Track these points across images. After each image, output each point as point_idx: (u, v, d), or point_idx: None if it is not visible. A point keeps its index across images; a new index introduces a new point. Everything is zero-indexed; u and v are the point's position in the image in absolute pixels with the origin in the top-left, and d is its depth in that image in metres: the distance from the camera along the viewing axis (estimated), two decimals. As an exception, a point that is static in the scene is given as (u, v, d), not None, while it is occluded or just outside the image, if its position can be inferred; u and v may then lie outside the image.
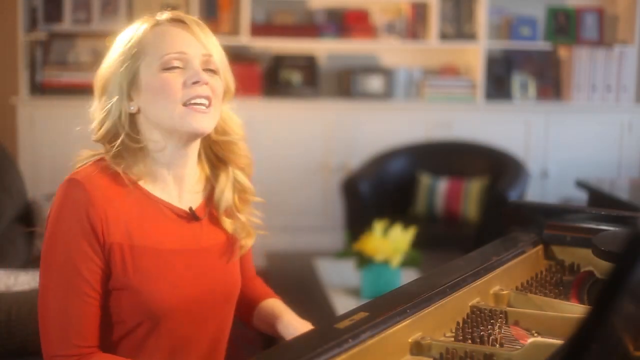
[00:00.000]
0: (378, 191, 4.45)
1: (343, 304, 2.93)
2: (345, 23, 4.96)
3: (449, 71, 5.10)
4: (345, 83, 5.04)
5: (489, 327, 1.26)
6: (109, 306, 1.39)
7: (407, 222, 3.18)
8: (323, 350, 1.01)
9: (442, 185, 4.45)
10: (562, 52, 5.11)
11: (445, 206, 4.42)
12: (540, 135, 4.98)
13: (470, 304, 1.34)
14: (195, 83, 1.39)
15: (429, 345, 1.17)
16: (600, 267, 1.52)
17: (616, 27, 5.18)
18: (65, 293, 1.34)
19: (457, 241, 4.05)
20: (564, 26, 5.12)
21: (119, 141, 1.40)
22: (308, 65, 4.97)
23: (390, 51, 5.14)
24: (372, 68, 5.05)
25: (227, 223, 1.50)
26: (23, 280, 2.32)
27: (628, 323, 0.81)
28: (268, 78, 4.96)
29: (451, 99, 4.98)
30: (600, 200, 3.60)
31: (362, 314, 1.13)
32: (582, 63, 5.03)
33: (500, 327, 1.27)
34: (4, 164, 3.24)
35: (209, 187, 1.51)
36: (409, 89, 5.06)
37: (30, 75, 4.72)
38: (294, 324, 1.57)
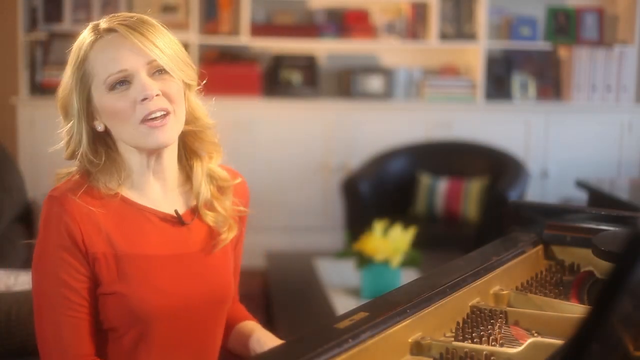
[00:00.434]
0: (378, 191, 4.45)
1: (343, 304, 2.94)
2: (345, 23, 4.96)
3: (449, 71, 5.10)
4: (345, 83, 5.04)
5: (489, 327, 1.26)
6: (100, 313, 1.39)
7: (407, 222, 3.19)
8: (323, 350, 1.01)
9: (442, 185, 4.45)
10: (562, 52, 5.11)
11: (445, 206, 4.42)
12: (540, 135, 4.98)
13: (470, 304, 1.34)
14: (144, 100, 1.35)
15: (429, 345, 1.17)
16: (600, 267, 1.52)
17: (616, 27, 5.18)
18: (56, 305, 1.35)
19: (457, 241, 4.05)
20: (564, 26, 5.12)
21: (85, 161, 1.41)
22: (308, 65, 4.97)
23: (390, 51, 5.14)
24: (372, 68, 5.05)
25: (208, 216, 1.48)
26: (23, 280, 2.32)
27: (628, 323, 0.81)
28: (268, 78, 4.95)
29: (451, 99, 4.98)
30: (600, 200, 3.60)
31: (362, 314, 1.13)
32: (582, 63, 5.03)
33: (500, 327, 1.27)
34: (4, 164, 3.24)
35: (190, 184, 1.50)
36: (409, 89, 5.06)
37: (30, 75, 4.72)
38: (264, 339, 1.55)
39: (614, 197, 3.62)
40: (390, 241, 3.02)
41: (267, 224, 4.68)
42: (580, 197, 4.08)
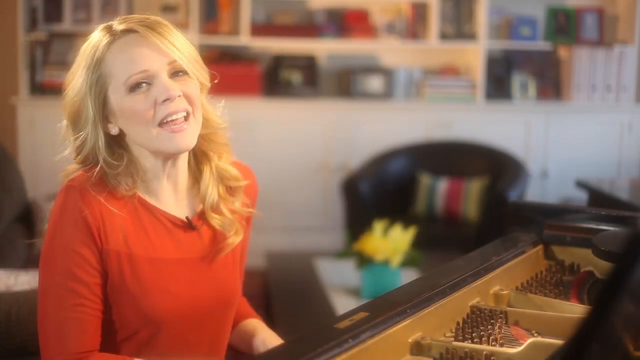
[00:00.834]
0: (378, 191, 4.45)
1: (343, 304, 2.94)
2: (345, 23, 4.96)
3: (449, 71, 5.10)
4: (345, 83, 5.04)
5: (489, 327, 1.26)
6: (112, 313, 1.38)
7: (407, 222, 3.19)
8: (323, 350, 1.01)
9: (442, 185, 4.45)
10: (562, 52, 5.11)
11: (445, 206, 4.42)
12: (540, 135, 4.98)
13: (470, 304, 1.34)
14: (166, 100, 1.33)
15: (429, 345, 1.17)
16: (600, 267, 1.52)
17: (616, 27, 5.18)
18: (64, 298, 1.33)
19: (457, 241, 4.05)
20: (564, 26, 5.12)
21: (98, 167, 1.37)
22: (308, 65, 4.97)
23: (390, 51, 5.14)
24: (372, 68, 5.05)
25: (215, 219, 1.47)
26: (23, 280, 2.32)
27: (628, 323, 0.81)
28: (268, 78, 4.95)
29: (451, 99, 4.98)
30: (600, 200, 3.60)
31: (362, 314, 1.13)
32: (582, 63, 5.03)
33: (500, 327, 1.27)
34: (4, 164, 3.24)
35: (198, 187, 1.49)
36: (409, 89, 5.06)
37: (30, 75, 4.72)
38: (269, 340, 1.54)
39: (614, 197, 3.62)
40: (390, 241, 3.02)
41: (267, 224, 4.67)
42: (580, 197, 4.08)
